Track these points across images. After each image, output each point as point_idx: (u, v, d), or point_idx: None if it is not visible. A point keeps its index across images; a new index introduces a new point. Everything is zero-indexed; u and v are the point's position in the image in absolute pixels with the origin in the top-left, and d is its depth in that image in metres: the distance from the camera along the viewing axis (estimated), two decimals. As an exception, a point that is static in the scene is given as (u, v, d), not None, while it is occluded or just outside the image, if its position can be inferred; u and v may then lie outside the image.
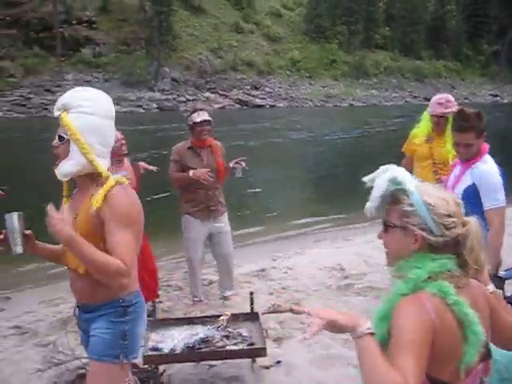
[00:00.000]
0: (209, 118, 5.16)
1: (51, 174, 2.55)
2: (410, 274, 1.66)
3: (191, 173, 5.09)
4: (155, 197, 11.00)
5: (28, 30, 41.15)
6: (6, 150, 19.66)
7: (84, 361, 4.13)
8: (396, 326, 1.58)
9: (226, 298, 5.56)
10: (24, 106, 35.58)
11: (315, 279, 6.23)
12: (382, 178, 1.80)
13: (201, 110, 5.20)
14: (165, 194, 11.08)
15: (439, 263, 1.67)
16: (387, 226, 1.78)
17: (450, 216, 1.68)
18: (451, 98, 4.84)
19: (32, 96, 36.53)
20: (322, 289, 5.91)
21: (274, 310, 5.24)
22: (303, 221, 10.24)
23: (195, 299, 5.46)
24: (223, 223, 5.41)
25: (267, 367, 4.12)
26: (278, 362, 4.22)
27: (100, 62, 41.78)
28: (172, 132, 23.19)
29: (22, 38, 40.75)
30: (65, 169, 2.45)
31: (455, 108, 4.58)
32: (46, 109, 34.66)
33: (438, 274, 1.66)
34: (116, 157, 4.70)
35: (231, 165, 5.26)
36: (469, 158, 3.68)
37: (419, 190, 1.72)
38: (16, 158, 17.83)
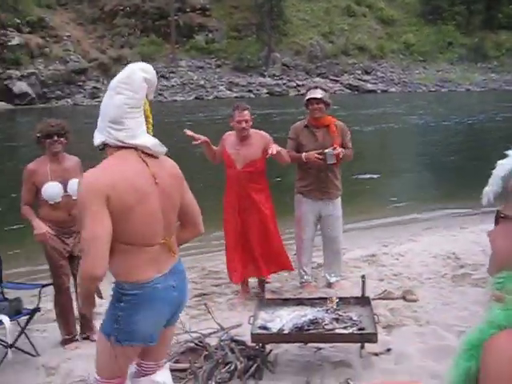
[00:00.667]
0: (319, 96, 5.06)
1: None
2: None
3: (303, 155, 5.04)
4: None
5: (145, 19, 42.90)
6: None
7: (193, 335, 4.22)
8: (486, 369, 1.09)
9: (330, 285, 5.44)
10: (140, 91, 37.25)
11: (428, 267, 5.96)
12: (509, 159, 1.28)
13: (315, 88, 5.20)
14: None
15: None
16: (500, 217, 1.22)
17: None
18: None
19: (148, 82, 38.13)
20: (435, 277, 5.63)
21: (385, 296, 5.06)
22: (415, 207, 9.86)
23: (302, 281, 5.39)
24: (334, 207, 5.30)
25: (376, 354, 3.98)
26: (388, 349, 4.06)
27: (212, 48, 42.72)
28: (285, 116, 23.26)
29: (139, 26, 42.59)
30: None
31: None
32: (161, 94, 36.05)
33: None
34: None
35: (325, 150, 5.05)
36: None
37: None
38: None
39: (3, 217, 9.63)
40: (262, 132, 5.08)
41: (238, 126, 4.85)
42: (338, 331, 3.59)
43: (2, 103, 32.58)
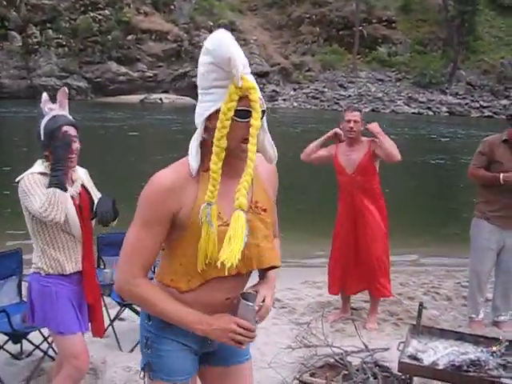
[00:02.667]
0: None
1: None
2: None
3: (501, 176, 4.41)
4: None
5: (330, 28, 43.18)
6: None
7: (335, 350, 3.91)
8: None
9: (497, 324, 4.76)
10: (317, 98, 37.54)
11: None
12: None
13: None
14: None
15: None
16: None
17: None
18: None
19: (326, 90, 38.32)
20: None
21: None
22: None
23: (473, 316, 4.76)
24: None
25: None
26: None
27: (395, 61, 41.70)
28: (463, 140, 21.88)
29: (323, 35, 42.98)
30: None
31: None
32: (338, 103, 35.99)
33: None
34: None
35: None
36: None
37: None
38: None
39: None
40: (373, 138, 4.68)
41: (346, 125, 4.56)
42: (504, 381, 3.03)
43: (188, 98, 34.80)
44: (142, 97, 35.34)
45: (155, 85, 36.82)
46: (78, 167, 3.10)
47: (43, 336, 3.79)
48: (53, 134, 2.82)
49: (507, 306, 4.77)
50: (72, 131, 2.89)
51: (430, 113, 36.29)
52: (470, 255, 4.80)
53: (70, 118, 2.98)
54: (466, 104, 38.12)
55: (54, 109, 2.92)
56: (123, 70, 36.11)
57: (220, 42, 1.71)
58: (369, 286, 4.75)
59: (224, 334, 1.79)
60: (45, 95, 2.97)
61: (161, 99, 35.51)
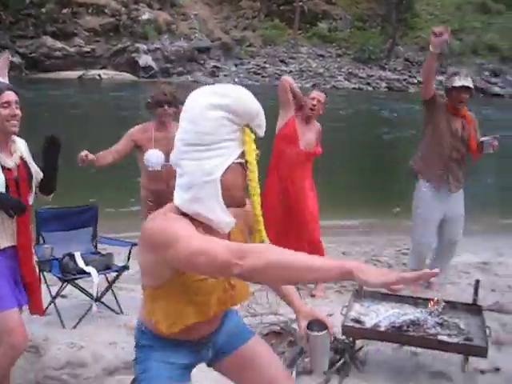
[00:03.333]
0: (470, 86, 4.61)
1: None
2: None
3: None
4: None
5: (271, 3, 42.97)
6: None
7: (280, 318, 3.96)
8: None
9: (429, 285, 4.97)
10: (259, 74, 37.45)
11: (550, 284, 5.29)
12: None
13: (465, 75, 4.68)
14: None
15: None
16: None
17: None
18: None
19: (267, 65, 38.27)
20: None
21: (498, 308, 4.47)
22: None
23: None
24: (459, 202, 4.83)
25: (482, 372, 3.51)
26: (497, 369, 3.57)
27: (335, 36, 42.00)
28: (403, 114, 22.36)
29: (264, 10, 42.75)
30: None
31: None
32: (279, 79, 35.97)
33: None
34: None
35: (482, 139, 4.67)
36: None
37: None
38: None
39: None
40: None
41: (310, 102, 4.66)
42: (441, 338, 3.16)
43: (127, 74, 34.03)
44: (80, 73, 34.24)
45: (93, 60, 35.67)
46: (17, 138, 2.98)
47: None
48: None
49: (443, 272, 4.97)
50: (12, 97, 2.80)
51: (370, 88, 36.87)
52: (413, 226, 4.93)
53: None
54: (404, 80, 38.94)
55: None
56: (59, 44, 34.77)
57: (243, 97, 1.73)
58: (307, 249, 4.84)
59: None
60: None
61: (99, 75, 34.50)
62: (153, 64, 35.65)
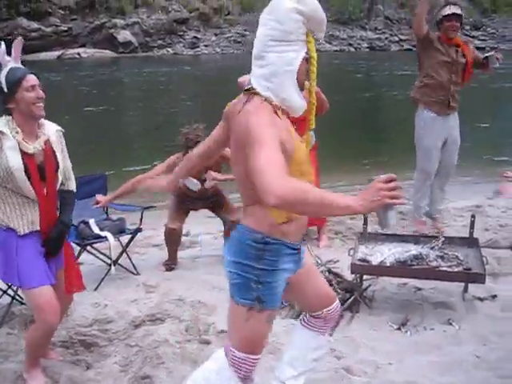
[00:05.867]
0: (460, 13, 4.87)
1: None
2: None
3: None
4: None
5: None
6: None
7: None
8: None
9: (433, 218, 5.25)
10: (239, 42, 37.22)
11: (541, 220, 5.57)
12: None
13: (454, 4, 4.93)
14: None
15: None
16: None
17: None
18: None
19: (247, 33, 37.99)
20: (548, 231, 5.25)
21: (492, 244, 4.77)
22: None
23: (416, 217, 5.22)
24: (456, 126, 5.09)
25: (481, 299, 3.78)
26: (494, 296, 3.85)
27: (315, -1, 41.64)
28: (387, 74, 22.42)
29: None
30: None
31: None
32: (260, 44, 35.86)
33: None
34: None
35: (486, 54, 4.99)
36: None
37: None
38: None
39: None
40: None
41: None
42: (443, 269, 3.42)
43: (107, 51, 33.72)
44: (59, 53, 33.83)
45: (71, 39, 35.24)
46: (47, 122, 2.98)
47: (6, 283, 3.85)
48: (17, 85, 2.76)
49: (442, 196, 5.30)
50: (35, 80, 2.82)
51: (352, 49, 36.84)
52: (418, 154, 5.15)
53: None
54: (386, 38, 38.90)
55: (9, 61, 2.84)
56: (35, 25, 34.23)
57: (316, 8, 2.09)
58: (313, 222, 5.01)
59: (379, 194, 1.79)
60: (3, 46, 2.86)
61: (79, 54, 34.15)
62: (132, 39, 35.31)
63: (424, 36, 4.86)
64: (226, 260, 2.22)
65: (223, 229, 4.85)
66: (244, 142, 1.98)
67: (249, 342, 2.20)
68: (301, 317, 2.63)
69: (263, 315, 2.14)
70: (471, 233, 3.87)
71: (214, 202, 4.77)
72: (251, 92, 2.10)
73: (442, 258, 3.51)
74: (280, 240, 2.12)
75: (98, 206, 4.00)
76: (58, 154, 2.95)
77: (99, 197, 4.04)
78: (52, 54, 33.38)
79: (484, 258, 3.55)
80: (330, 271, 3.85)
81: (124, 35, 35.14)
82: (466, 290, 3.71)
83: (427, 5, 4.74)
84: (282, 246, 2.14)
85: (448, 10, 4.85)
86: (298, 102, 2.13)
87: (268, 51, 2.08)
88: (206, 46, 37.17)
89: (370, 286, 3.83)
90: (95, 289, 4.25)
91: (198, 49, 36.36)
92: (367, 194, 1.79)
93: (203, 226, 5.77)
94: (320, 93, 4.86)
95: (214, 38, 38.15)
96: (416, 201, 5.21)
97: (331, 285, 3.68)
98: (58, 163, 2.93)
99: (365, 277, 3.80)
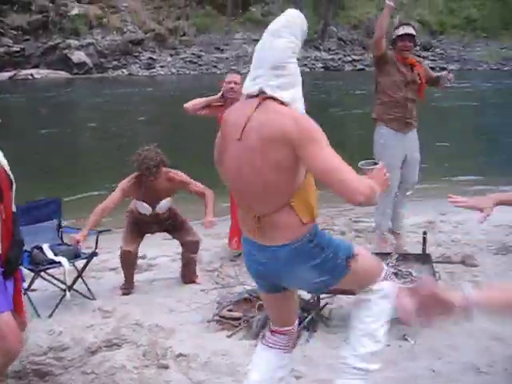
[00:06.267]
0: (412, 33, 5.00)
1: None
2: None
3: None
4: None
5: (202, -10, 42.77)
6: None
7: (247, 287, 4.20)
8: None
9: (396, 234, 5.30)
10: (195, 63, 37.34)
11: (489, 235, 5.75)
12: None
13: (406, 24, 5.12)
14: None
15: None
16: None
17: None
18: None
19: (203, 54, 38.19)
20: (497, 245, 5.42)
21: (444, 259, 4.89)
22: (472, 178, 9.55)
23: (383, 236, 5.23)
24: (415, 143, 5.19)
25: (435, 314, 3.87)
26: (448, 310, 3.93)
27: (268, 20, 40.55)
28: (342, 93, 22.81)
29: (196, -2, 42.50)
30: None
31: None
32: (216, 66, 36.08)
33: None
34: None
35: (437, 74, 5.20)
36: None
37: None
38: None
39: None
40: None
41: (227, 86, 4.97)
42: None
43: (62, 72, 33.28)
44: (11, 74, 33.18)
45: (23, 60, 34.65)
46: None
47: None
48: None
49: (403, 213, 5.38)
50: None
51: (307, 69, 37.33)
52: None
53: None
54: (339, 59, 39.67)
55: None
56: (-14, 46, 33.66)
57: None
58: None
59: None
60: None
61: (32, 75, 33.57)
62: (87, 60, 34.97)
63: (381, 56, 5.00)
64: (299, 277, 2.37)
65: (181, 251, 4.83)
66: (287, 143, 2.13)
67: (371, 272, 2.51)
68: (261, 337, 2.64)
69: (357, 257, 2.40)
70: (424, 249, 3.97)
71: (169, 225, 4.75)
72: (264, 97, 2.23)
73: (396, 274, 3.59)
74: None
75: (78, 244, 4.23)
76: (10, 174, 2.86)
77: (74, 236, 4.25)
78: (3, 75, 32.74)
79: (437, 274, 3.64)
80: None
81: (78, 56, 34.78)
82: (420, 305, 3.79)
83: (385, 27, 4.88)
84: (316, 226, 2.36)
85: (401, 30, 5.01)
86: (302, 112, 2.29)
87: (289, 62, 2.26)
88: (161, 66, 37.12)
89: (326, 304, 3.87)
90: (50, 315, 4.16)
91: (154, 70, 36.28)
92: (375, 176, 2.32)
93: (159, 249, 5.74)
94: None
95: (169, 59, 38.15)
96: (378, 218, 5.24)
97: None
98: (11, 182, 2.83)
99: (322, 295, 3.84)
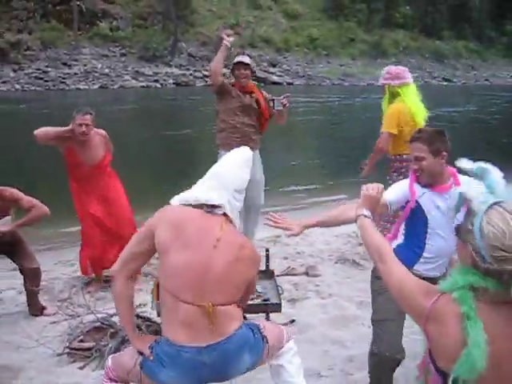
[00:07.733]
0: (247, 62, 5.32)
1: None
2: (451, 277, 1.69)
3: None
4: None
5: (45, 3, 41.02)
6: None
7: (99, 315, 4.16)
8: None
9: None
10: (41, 79, 35.62)
11: (330, 245, 6.22)
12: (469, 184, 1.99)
13: (243, 54, 5.50)
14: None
15: (475, 279, 1.61)
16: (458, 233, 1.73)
17: (502, 250, 1.56)
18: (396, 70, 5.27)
19: (49, 69, 36.56)
20: (336, 254, 5.89)
21: (289, 272, 5.25)
22: (314, 191, 10.20)
23: None
24: (258, 164, 5.47)
25: (282, 325, 4.11)
26: (292, 320, 4.23)
27: (117, 36, 41.57)
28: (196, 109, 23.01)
29: (39, 11, 40.65)
30: None
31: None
32: (64, 82, 34.73)
33: (474, 286, 1.61)
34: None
35: (268, 98, 5.41)
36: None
37: (486, 212, 1.61)
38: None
39: None
40: (100, 131, 5.08)
41: (79, 129, 4.77)
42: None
43: None
44: None
45: None
46: None
47: None
48: None
49: (254, 232, 5.68)
50: None
51: (158, 85, 37.30)
52: None
53: None
54: (191, 74, 40.10)
55: None
56: None
57: None
58: None
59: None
60: None
61: None
62: None
63: (220, 85, 5.26)
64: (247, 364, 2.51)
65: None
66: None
67: (278, 337, 2.70)
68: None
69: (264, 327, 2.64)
70: (267, 266, 4.22)
71: (8, 247, 4.44)
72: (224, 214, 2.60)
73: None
74: None
75: None
76: None
77: None
78: None
79: (279, 288, 3.89)
80: (138, 316, 3.90)
81: None
82: (267, 318, 4.01)
83: (222, 59, 5.18)
84: None
85: (237, 59, 5.34)
86: None
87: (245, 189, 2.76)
88: (3, 82, 34.93)
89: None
90: None
91: (-5, 85, 34.07)
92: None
93: (7, 281, 5.45)
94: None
95: (12, 74, 36.01)
96: None
97: (140, 329, 3.74)
98: None
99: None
